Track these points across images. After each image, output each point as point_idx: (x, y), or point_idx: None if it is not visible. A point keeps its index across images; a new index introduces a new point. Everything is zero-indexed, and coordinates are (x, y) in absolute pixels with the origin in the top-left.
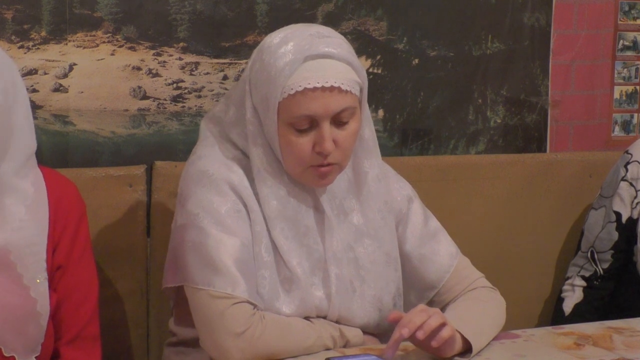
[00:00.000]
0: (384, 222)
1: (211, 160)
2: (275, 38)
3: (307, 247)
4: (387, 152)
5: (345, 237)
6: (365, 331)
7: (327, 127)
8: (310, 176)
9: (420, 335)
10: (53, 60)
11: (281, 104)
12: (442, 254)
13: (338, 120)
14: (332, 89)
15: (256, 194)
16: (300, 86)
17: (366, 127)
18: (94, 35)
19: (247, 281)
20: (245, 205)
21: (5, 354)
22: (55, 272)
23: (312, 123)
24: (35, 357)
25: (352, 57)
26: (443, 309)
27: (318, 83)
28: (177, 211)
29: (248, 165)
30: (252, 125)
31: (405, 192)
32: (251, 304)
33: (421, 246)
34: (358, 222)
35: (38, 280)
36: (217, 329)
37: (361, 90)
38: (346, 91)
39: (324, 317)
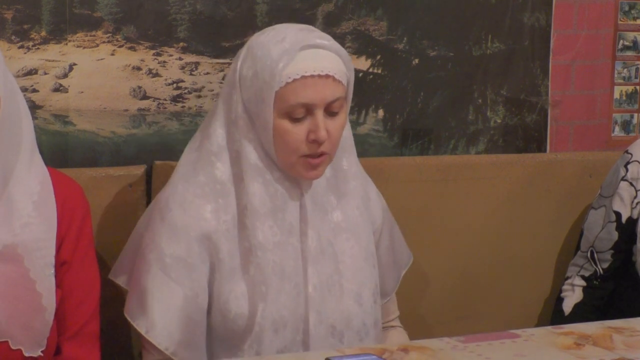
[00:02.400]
0: (362, 219)
1: (178, 196)
2: (265, 35)
3: (291, 246)
4: (387, 152)
5: (325, 234)
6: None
7: (321, 116)
8: (302, 167)
9: None
10: (53, 60)
11: (277, 93)
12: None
13: (330, 110)
14: (327, 77)
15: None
16: (297, 74)
17: (347, 124)
18: (94, 35)
19: (169, 329)
20: (205, 240)
21: (12, 347)
22: (59, 268)
23: (307, 112)
24: (41, 351)
25: (342, 51)
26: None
27: (314, 71)
28: (147, 214)
29: (225, 189)
30: (243, 120)
31: (380, 200)
32: (162, 352)
33: (388, 255)
34: (337, 218)
35: (46, 274)
36: None
37: (348, 84)
38: (339, 81)
39: (305, 315)
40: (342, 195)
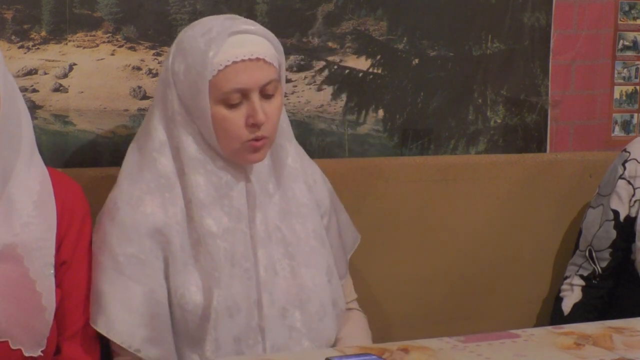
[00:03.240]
0: (306, 200)
1: (124, 195)
2: (191, 29)
3: (240, 232)
4: (387, 152)
5: (271, 217)
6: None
7: (257, 99)
8: (244, 151)
9: None
10: (53, 60)
11: (211, 82)
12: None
13: (265, 93)
14: (257, 60)
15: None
16: (228, 61)
17: (283, 110)
18: (94, 35)
19: (129, 326)
20: (156, 235)
21: (12, 347)
22: (59, 268)
23: (243, 97)
24: (41, 351)
25: (269, 34)
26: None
27: (245, 56)
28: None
29: (169, 183)
30: (180, 115)
31: (326, 184)
32: (128, 352)
33: (337, 238)
34: (281, 202)
35: (46, 274)
36: None
37: (280, 66)
38: (270, 63)
39: (259, 299)
40: (284, 180)
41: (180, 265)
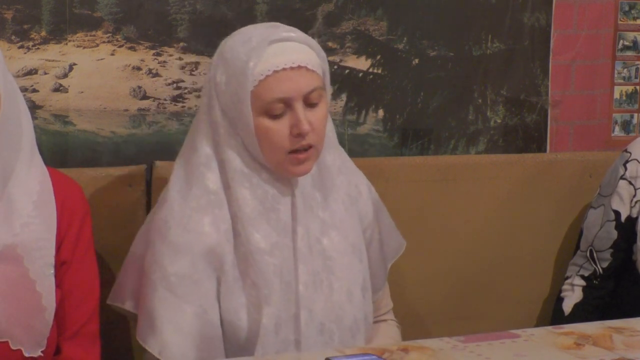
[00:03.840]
0: (347, 214)
1: (175, 214)
2: (232, 39)
3: (286, 247)
4: (387, 152)
5: (313, 231)
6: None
7: (300, 108)
8: (289, 164)
9: None
10: (53, 60)
11: (253, 93)
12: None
13: (309, 102)
14: (299, 68)
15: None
16: (269, 70)
17: (329, 119)
18: (94, 35)
19: (181, 348)
20: (209, 255)
21: (13, 347)
22: (59, 268)
23: (286, 106)
24: (41, 351)
25: (311, 41)
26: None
27: (286, 64)
28: (142, 235)
29: (218, 199)
30: (223, 128)
31: (371, 194)
32: None
33: (378, 251)
34: (323, 214)
35: (46, 274)
36: None
37: (324, 74)
38: (313, 71)
39: (297, 313)
40: (328, 192)
41: (232, 283)
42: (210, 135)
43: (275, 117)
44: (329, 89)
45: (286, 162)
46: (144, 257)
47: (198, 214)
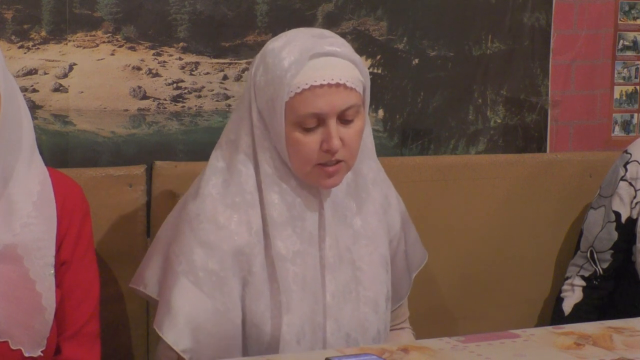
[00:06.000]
0: (379, 225)
1: (209, 203)
2: (277, 41)
3: (312, 256)
4: (387, 152)
5: (343, 240)
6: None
7: (333, 125)
8: (318, 176)
9: None
10: (53, 60)
11: (288, 103)
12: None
13: (344, 119)
14: (337, 85)
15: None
16: (306, 84)
17: (366, 128)
18: (94, 35)
19: (198, 342)
20: (238, 254)
21: (12, 347)
22: (59, 268)
23: (319, 121)
24: (41, 351)
25: (355, 57)
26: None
27: (324, 80)
28: (172, 221)
29: (253, 199)
30: (258, 129)
31: (400, 205)
32: None
33: (403, 261)
34: (356, 224)
35: (46, 274)
36: None
37: (364, 90)
38: (351, 88)
39: (323, 324)
40: (362, 202)
41: (258, 284)
42: (250, 133)
43: (307, 130)
44: (368, 105)
45: (314, 174)
46: (170, 245)
47: (232, 212)
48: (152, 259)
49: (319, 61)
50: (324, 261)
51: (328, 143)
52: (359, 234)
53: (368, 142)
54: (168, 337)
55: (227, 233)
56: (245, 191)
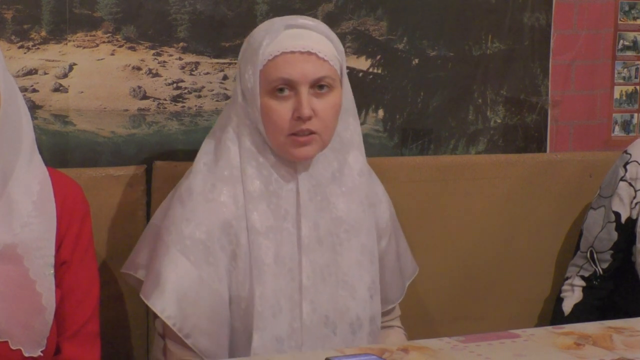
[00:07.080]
0: (364, 215)
1: (199, 178)
2: (259, 25)
3: (286, 231)
4: (387, 152)
5: (324, 224)
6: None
7: (305, 93)
8: (290, 145)
9: None
10: (53, 60)
11: (262, 72)
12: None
13: (317, 90)
14: (309, 54)
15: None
16: (278, 51)
17: (353, 120)
18: (94, 35)
19: (183, 311)
20: (226, 227)
21: (12, 347)
22: (59, 268)
23: (291, 90)
24: (41, 351)
25: (331, 34)
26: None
27: (295, 48)
28: (165, 206)
29: (239, 174)
30: (241, 107)
31: (390, 207)
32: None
33: (394, 261)
34: (340, 210)
35: (46, 274)
36: None
37: (341, 68)
38: (324, 60)
39: (300, 302)
40: (348, 190)
41: (243, 257)
42: (237, 113)
43: (280, 98)
44: (347, 85)
45: (287, 144)
46: (161, 224)
47: (221, 184)
48: (144, 243)
49: (292, 31)
50: (300, 241)
51: (299, 110)
52: (341, 219)
53: (356, 133)
54: (156, 306)
55: (216, 205)
56: (233, 166)
